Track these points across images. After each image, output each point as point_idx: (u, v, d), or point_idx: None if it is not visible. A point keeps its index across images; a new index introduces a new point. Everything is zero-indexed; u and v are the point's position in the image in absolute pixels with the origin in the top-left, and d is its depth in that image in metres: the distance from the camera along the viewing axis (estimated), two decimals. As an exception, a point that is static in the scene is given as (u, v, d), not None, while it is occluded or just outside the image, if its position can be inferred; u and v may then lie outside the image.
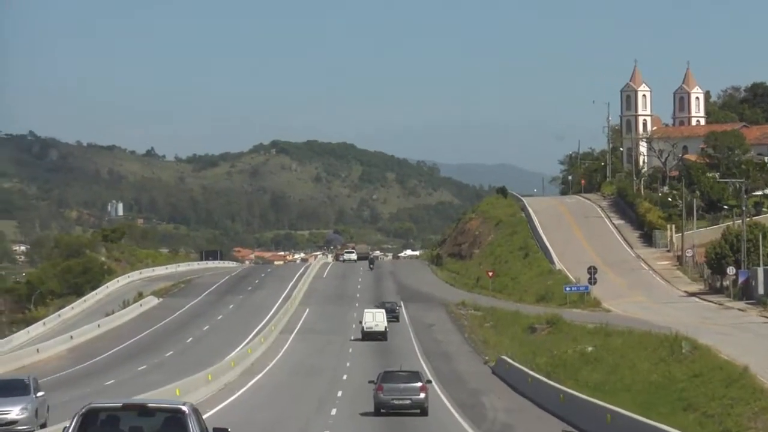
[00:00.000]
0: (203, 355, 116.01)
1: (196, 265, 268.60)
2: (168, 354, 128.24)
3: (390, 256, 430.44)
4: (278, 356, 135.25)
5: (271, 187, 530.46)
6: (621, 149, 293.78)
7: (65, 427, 32.39)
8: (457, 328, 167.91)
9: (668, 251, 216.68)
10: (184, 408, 32.85)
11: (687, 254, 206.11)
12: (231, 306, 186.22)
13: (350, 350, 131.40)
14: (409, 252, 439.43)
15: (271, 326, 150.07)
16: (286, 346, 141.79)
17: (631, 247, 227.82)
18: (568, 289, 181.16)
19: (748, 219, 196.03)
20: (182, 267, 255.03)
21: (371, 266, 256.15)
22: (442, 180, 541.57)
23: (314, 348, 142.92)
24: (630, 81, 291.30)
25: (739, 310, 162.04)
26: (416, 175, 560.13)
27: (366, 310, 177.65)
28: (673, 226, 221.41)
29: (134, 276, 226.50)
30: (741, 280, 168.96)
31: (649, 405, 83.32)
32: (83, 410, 32.53)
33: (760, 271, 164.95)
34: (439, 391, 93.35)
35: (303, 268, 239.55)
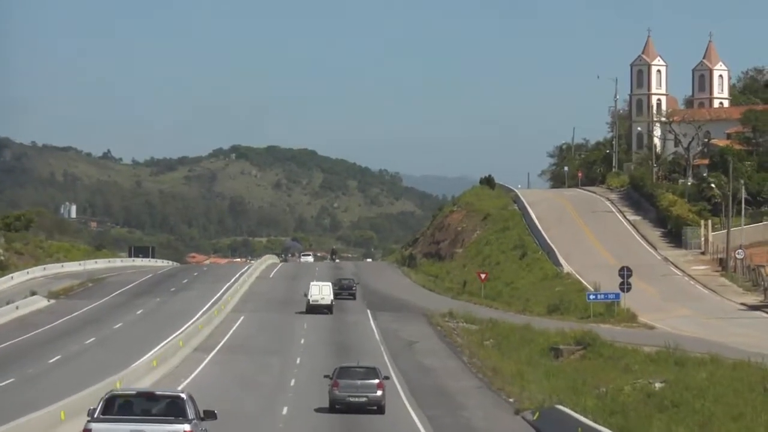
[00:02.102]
0: (59, 383, 77.51)
1: (118, 262, 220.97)
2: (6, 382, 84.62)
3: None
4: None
5: (230, 193, 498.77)
6: (630, 133, 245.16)
7: (92, 409, 42.57)
8: (449, 348, 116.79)
9: (703, 253, 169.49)
10: (183, 395, 43.98)
11: (737, 256, 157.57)
12: (139, 311, 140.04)
13: (293, 382, 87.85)
14: (369, 260, 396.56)
15: (179, 341, 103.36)
16: (197, 371, 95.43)
17: (655, 248, 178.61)
18: (591, 297, 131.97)
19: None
20: (100, 264, 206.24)
21: (333, 257, 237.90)
22: (404, 189, 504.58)
23: (242, 373, 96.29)
24: (642, 54, 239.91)
25: None
26: (378, 184, 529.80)
27: (312, 283, 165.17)
28: (709, 222, 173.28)
29: (36, 272, 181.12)
30: None
31: None
32: (106, 396, 43.24)
33: None
34: None
35: (246, 268, 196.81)
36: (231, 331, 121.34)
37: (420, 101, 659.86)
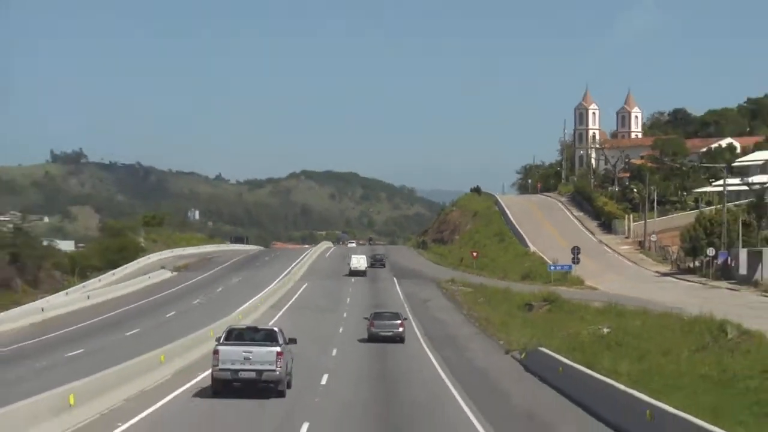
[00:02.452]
0: (172, 332, 72.16)
1: (223, 247, 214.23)
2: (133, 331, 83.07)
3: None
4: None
5: (300, 202, 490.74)
6: (574, 156, 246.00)
7: (218, 337, 48.91)
8: (453, 304, 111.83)
9: (627, 237, 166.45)
10: (275, 328, 51.16)
11: (651, 239, 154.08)
12: (235, 280, 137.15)
13: (341, 329, 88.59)
14: (393, 246, 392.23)
15: (260, 300, 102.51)
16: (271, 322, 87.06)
17: (593, 234, 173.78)
18: (552, 267, 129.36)
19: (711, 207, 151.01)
20: (210, 248, 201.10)
21: (370, 242, 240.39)
22: (417, 198, 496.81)
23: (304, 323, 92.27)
24: (582, 101, 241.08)
25: (729, 289, 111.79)
26: (399, 195, 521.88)
27: (353, 255, 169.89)
28: (630, 216, 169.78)
29: (165, 254, 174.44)
30: (720, 261, 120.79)
31: (717, 410, 38.36)
32: (227, 329, 50.38)
33: (743, 252, 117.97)
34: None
35: (310, 250, 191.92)
36: (297, 294, 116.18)
37: (425, 135, 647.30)
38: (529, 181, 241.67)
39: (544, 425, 38.57)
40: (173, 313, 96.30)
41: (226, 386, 44.03)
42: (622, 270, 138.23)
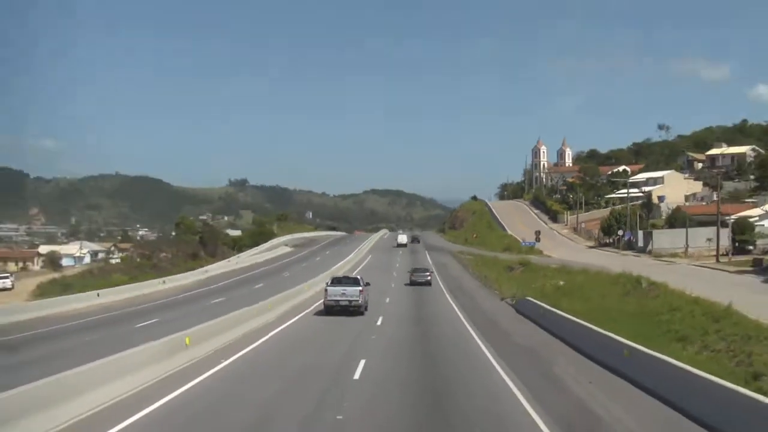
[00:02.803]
0: (283, 286, 64.00)
1: (323, 233, 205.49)
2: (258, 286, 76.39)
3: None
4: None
5: (370, 208, 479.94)
6: (532, 177, 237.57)
7: (326, 282, 51.07)
8: (462, 267, 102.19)
9: (566, 226, 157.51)
10: (359, 276, 53.42)
11: (581, 226, 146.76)
12: (327, 252, 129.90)
13: (393, 285, 77.22)
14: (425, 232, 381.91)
15: (341, 266, 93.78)
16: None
17: (546, 224, 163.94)
18: (523, 243, 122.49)
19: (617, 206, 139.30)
20: (314, 234, 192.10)
21: (411, 231, 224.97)
22: (437, 204, 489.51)
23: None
24: (536, 144, 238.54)
25: (635, 257, 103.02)
26: (428, 203, 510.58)
27: (399, 234, 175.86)
28: (568, 212, 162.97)
29: (287, 237, 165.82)
30: (626, 238, 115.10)
31: (644, 336, 31.00)
32: (331, 277, 52.63)
33: (640, 233, 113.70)
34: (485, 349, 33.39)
35: (374, 235, 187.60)
36: (364, 263, 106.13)
37: (445, 160, 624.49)
38: (505, 192, 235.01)
39: (542, 359, 30.40)
40: (287, 274, 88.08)
41: (331, 309, 46.76)
42: (564, 245, 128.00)
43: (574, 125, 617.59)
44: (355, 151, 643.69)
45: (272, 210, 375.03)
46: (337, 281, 50.10)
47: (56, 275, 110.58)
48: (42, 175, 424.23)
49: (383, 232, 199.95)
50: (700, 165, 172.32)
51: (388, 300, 59.23)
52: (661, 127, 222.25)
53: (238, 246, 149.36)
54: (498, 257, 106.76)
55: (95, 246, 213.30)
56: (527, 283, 72.37)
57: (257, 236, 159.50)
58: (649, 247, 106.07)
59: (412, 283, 74.12)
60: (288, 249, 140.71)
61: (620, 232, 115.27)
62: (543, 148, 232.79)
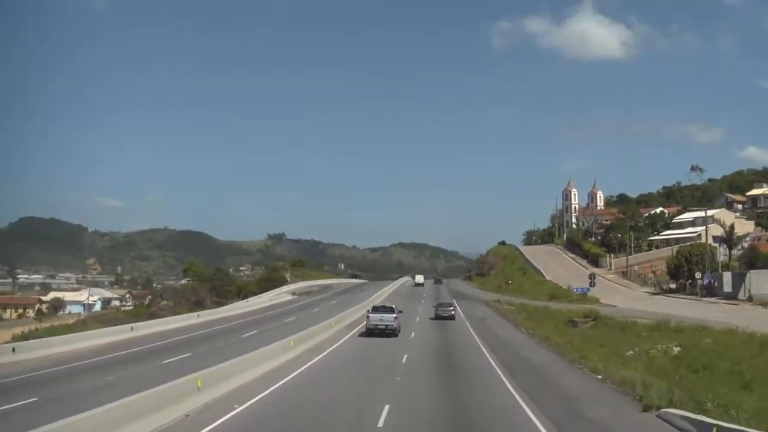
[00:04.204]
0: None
1: (342, 280, 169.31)
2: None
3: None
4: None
5: (397, 259, 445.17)
6: (563, 221, 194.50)
7: (368, 310, 54.07)
8: (507, 322, 60.66)
9: (609, 270, 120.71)
10: (393, 306, 53.63)
11: (633, 270, 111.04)
12: (333, 302, 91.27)
13: (417, 319, 65.48)
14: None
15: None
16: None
17: (585, 268, 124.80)
18: (575, 290, 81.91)
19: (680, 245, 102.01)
20: (331, 281, 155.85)
21: (436, 278, 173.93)
22: (459, 256, 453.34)
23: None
24: (567, 187, 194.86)
25: (730, 305, 68.85)
26: (450, 255, 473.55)
27: (416, 275, 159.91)
28: (610, 255, 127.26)
29: (301, 284, 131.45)
30: (705, 282, 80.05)
31: None
32: (372, 306, 55.13)
33: (727, 275, 79.15)
34: None
35: (394, 282, 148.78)
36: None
37: (464, 212, 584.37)
38: (534, 237, 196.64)
39: None
40: (293, 318, 64.16)
41: (371, 332, 48.84)
42: (620, 292, 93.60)
43: (599, 171, 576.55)
44: (383, 207, 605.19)
45: (306, 261, 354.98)
46: (376, 309, 52.55)
47: (42, 324, 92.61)
48: (99, 228, 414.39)
49: (405, 279, 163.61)
50: (740, 206, 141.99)
51: (417, 320, 60.65)
52: (693, 168, 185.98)
53: (243, 293, 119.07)
54: (548, 307, 73.16)
55: (108, 293, 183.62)
56: (613, 347, 41.33)
57: (266, 282, 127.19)
58: (743, 292, 72.68)
59: (438, 317, 65.30)
60: (290, 297, 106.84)
61: (698, 275, 79.91)
62: (574, 191, 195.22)
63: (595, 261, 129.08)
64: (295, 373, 30.11)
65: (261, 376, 27.89)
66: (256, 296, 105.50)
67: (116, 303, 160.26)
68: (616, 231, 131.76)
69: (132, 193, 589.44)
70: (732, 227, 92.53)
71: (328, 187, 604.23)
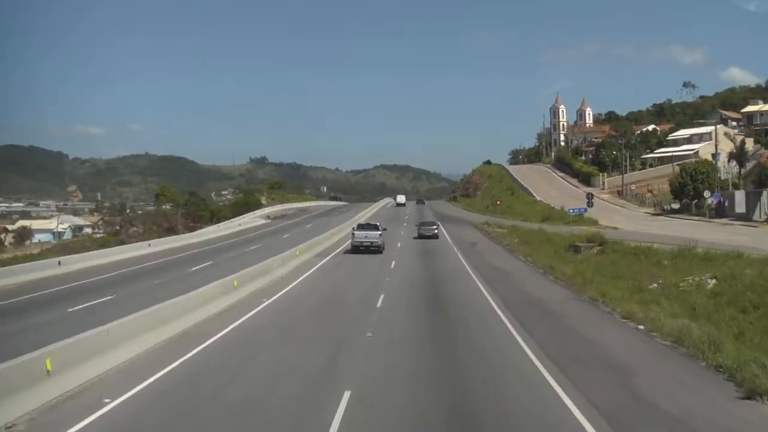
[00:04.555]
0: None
1: (321, 203, 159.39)
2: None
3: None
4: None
5: (380, 181, 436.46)
6: (551, 139, 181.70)
7: (352, 227, 54.19)
8: (501, 246, 56.67)
9: (603, 189, 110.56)
10: (378, 223, 55.76)
11: (631, 188, 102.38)
12: (309, 225, 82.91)
13: (402, 232, 68.91)
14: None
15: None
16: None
17: (577, 188, 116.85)
18: (570, 211, 71.63)
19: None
20: (309, 204, 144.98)
21: (418, 200, 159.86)
22: (442, 178, 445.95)
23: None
24: (555, 103, 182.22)
25: (744, 226, 60.71)
26: (433, 176, 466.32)
27: (398, 195, 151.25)
28: (603, 174, 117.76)
29: (276, 207, 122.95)
30: (714, 201, 71.46)
31: None
32: (357, 224, 57.34)
33: (740, 193, 69.20)
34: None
35: (375, 204, 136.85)
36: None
37: (448, 133, 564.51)
38: (520, 157, 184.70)
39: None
40: (258, 246, 56.74)
41: (357, 248, 49.35)
42: (618, 212, 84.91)
43: (585, 92, 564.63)
44: (366, 128, 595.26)
45: (287, 184, 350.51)
46: (361, 227, 53.51)
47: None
48: (79, 155, 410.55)
49: (386, 201, 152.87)
50: (734, 123, 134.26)
51: (403, 233, 65.69)
52: (686, 84, 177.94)
53: (216, 218, 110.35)
54: (543, 230, 63.88)
55: (81, 221, 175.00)
56: (632, 279, 33.99)
57: (240, 207, 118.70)
58: (758, 213, 64.01)
59: (421, 236, 63.17)
60: (263, 221, 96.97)
61: (707, 194, 71.51)
62: (562, 108, 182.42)
63: (587, 180, 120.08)
64: (225, 331, 21.02)
65: (164, 343, 18.94)
66: (228, 221, 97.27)
67: (88, 230, 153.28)
68: (608, 149, 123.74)
69: (113, 120, 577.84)
70: (743, 142, 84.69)
71: (310, 109, 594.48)
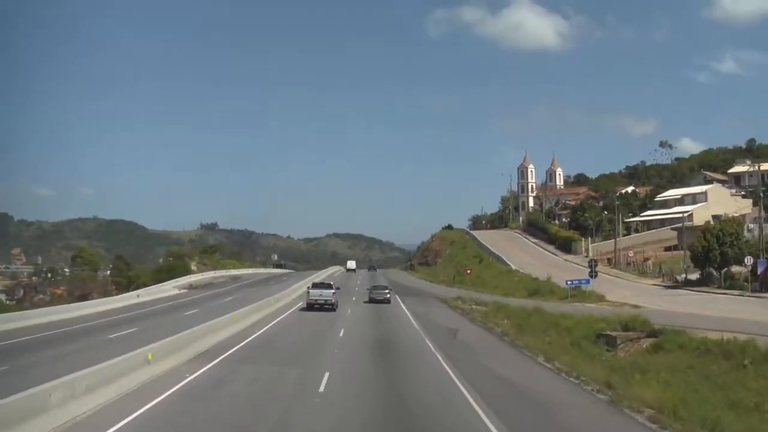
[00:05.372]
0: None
1: (263, 270, 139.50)
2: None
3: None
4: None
5: (331, 250, 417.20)
6: (518, 202, 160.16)
7: (308, 286, 55.53)
8: (498, 339, 29.92)
9: (586, 257, 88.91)
10: (332, 282, 58.92)
11: (629, 255, 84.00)
12: (229, 298, 62.27)
13: (354, 298, 63.37)
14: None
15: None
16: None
17: (555, 255, 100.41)
18: (568, 282, 55.41)
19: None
20: (246, 271, 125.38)
21: (371, 266, 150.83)
22: (395, 247, 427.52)
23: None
24: (523, 162, 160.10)
25: None
26: (386, 246, 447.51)
27: (348, 261, 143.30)
28: (589, 238, 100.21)
29: (207, 274, 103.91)
30: (761, 269, 52.24)
31: None
32: (311, 283, 59.90)
33: None
34: None
35: (322, 272, 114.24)
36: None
37: (401, 203, 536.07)
38: (483, 222, 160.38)
39: None
40: (131, 330, 35.02)
41: (311, 306, 50.54)
42: (620, 285, 66.70)
43: (539, 159, 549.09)
44: (318, 198, 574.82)
45: (238, 253, 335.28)
46: (316, 286, 55.25)
47: None
48: (25, 217, 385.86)
49: (335, 269, 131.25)
50: (720, 185, 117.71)
51: (354, 299, 60.81)
52: (662, 144, 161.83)
53: (135, 284, 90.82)
54: (540, 309, 45.89)
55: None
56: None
57: (164, 273, 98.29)
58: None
59: (372, 301, 58.55)
60: (176, 291, 76.11)
61: (748, 261, 54.90)
62: (531, 167, 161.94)
63: (565, 246, 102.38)
64: None
65: None
66: (139, 290, 75.11)
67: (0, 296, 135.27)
68: (589, 211, 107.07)
69: (64, 182, 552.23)
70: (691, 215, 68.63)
71: (262, 176, 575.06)
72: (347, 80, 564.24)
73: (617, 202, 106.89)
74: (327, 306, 50.41)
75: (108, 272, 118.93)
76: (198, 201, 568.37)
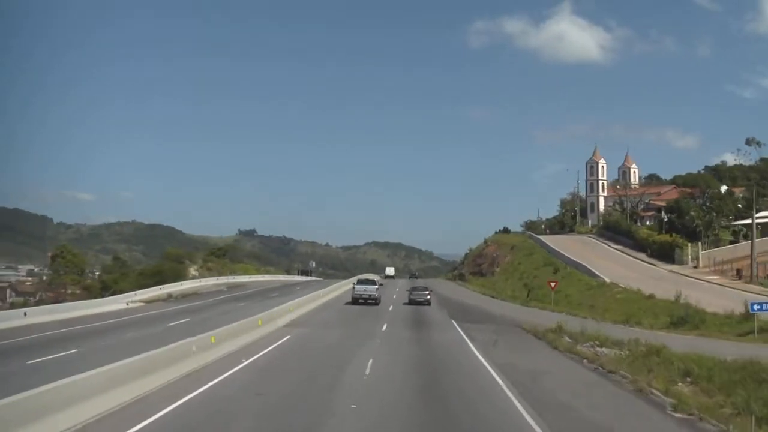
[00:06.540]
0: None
1: (282, 277, 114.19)
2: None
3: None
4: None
5: (372, 259, 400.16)
6: (586, 203, 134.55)
7: (353, 283, 58.11)
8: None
9: (696, 267, 68.15)
10: (376, 278, 68.62)
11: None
12: (207, 315, 40.66)
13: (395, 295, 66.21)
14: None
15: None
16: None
17: (653, 264, 74.22)
18: (756, 307, 25.33)
19: None
20: (259, 278, 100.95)
21: (414, 273, 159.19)
22: (434, 257, 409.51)
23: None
24: (593, 156, 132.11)
25: None
26: (425, 255, 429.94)
27: (387, 267, 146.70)
28: (699, 243, 74.01)
29: (207, 281, 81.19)
30: None
31: None
32: (356, 279, 64.45)
33: None
34: None
35: (338, 283, 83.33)
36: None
37: (442, 210, 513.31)
38: (542, 227, 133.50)
39: None
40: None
41: (356, 301, 53.80)
42: None
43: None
44: (359, 205, 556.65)
45: (275, 259, 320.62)
46: (361, 282, 58.28)
47: None
48: (65, 220, 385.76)
49: (369, 276, 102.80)
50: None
51: (395, 296, 63.98)
52: (749, 142, 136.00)
53: (112, 291, 71.16)
54: (743, 359, 20.93)
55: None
56: None
57: (147, 278, 77.19)
58: None
59: (412, 302, 56.28)
60: (124, 306, 51.92)
61: None
62: (602, 163, 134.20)
63: (662, 254, 77.19)
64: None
65: None
66: (113, 297, 56.84)
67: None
68: (695, 210, 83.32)
69: (105, 186, 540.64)
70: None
71: (303, 183, 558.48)
72: (387, 93, 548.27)
73: (709, 203, 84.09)
74: (371, 301, 54.73)
75: (97, 274, 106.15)
76: (237, 207, 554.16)
